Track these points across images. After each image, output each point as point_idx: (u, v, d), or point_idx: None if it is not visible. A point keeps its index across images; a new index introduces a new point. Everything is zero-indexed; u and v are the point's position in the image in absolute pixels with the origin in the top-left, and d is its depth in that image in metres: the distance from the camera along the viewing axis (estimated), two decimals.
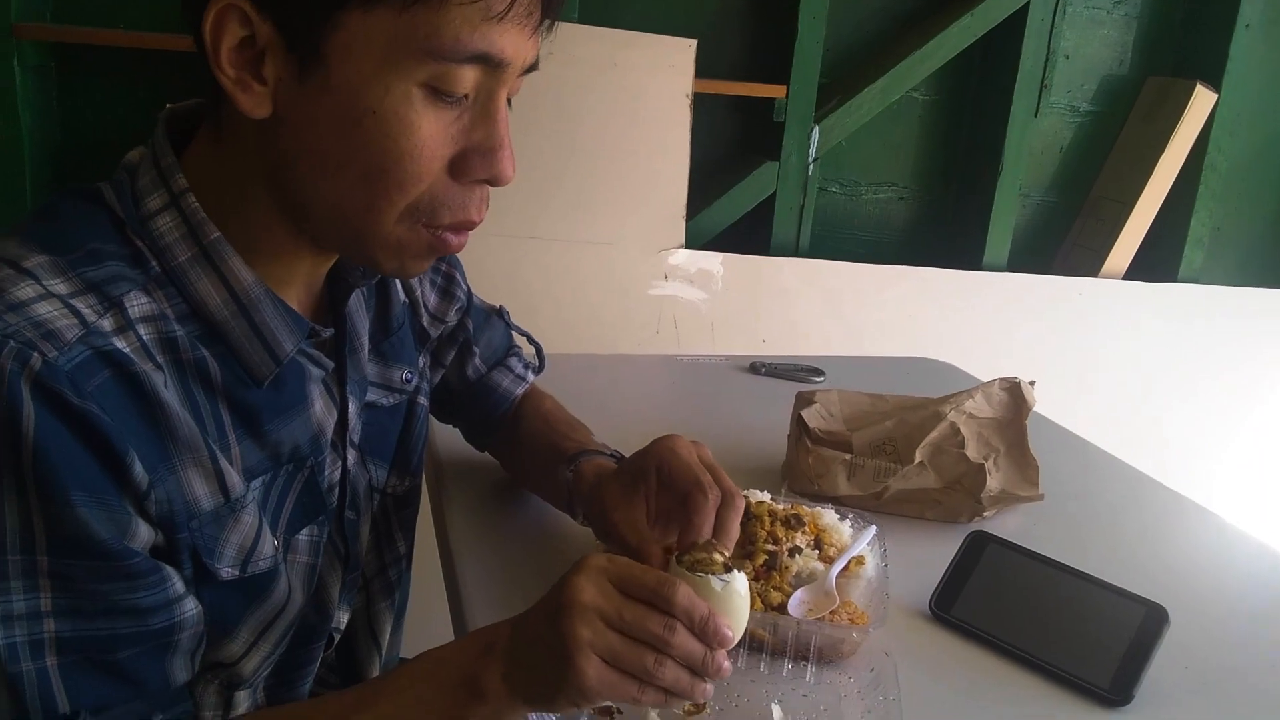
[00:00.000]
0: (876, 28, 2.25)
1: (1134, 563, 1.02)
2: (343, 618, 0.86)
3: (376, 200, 0.65)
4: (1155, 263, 2.44)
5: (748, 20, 2.17)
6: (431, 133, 0.63)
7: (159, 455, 0.62)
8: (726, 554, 0.69)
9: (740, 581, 0.67)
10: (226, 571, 0.68)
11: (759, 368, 1.53)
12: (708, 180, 2.14)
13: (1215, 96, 2.33)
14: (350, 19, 0.60)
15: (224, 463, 0.66)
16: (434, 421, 1.08)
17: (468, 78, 0.63)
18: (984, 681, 0.84)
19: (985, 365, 1.74)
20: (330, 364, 0.76)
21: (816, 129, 2.13)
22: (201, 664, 0.70)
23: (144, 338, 0.63)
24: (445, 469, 1.08)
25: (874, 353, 1.75)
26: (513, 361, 1.04)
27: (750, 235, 2.19)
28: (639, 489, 0.82)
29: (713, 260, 2.04)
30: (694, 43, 1.95)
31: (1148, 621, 0.85)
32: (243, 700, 0.75)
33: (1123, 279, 2.39)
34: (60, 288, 0.60)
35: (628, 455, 0.88)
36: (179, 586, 0.63)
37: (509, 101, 0.69)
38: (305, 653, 0.82)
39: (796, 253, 2.19)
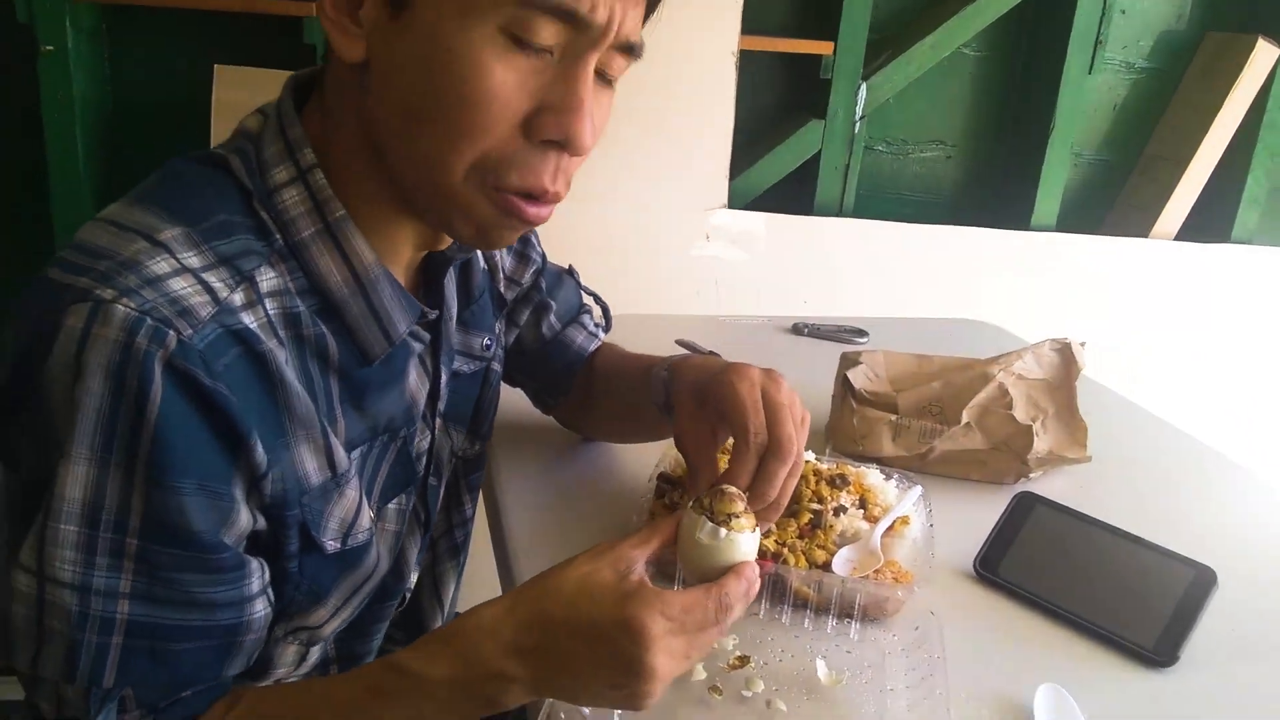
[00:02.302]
0: None
1: (1183, 526, 1.01)
2: (413, 577, 0.88)
3: (444, 149, 0.63)
4: (1208, 224, 2.39)
5: None
6: (505, 80, 0.62)
7: (277, 433, 0.63)
8: (744, 501, 0.68)
9: (744, 540, 0.67)
10: (330, 545, 0.69)
11: (802, 328, 1.52)
12: (752, 139, 2.12)
13: (1278, 52, 2.25)
14: None
15: (332, 437, 0.67)
16: None
17: (549, 29, 0.61)
18: (1028, 641, 0.84)
19: (1033, 327, 1.72)
20: (428, 337, 0.77)
21: (864, 86, 2.10)
22: (287, 628, 0.71)
23: (270, 313, 0.63)
24: (498, 434, 1.09)
25: (919, 315, 1.74)
26: (585, 319, 1.04)
27: (794, 195, 2.16)
28: (705, 416, 0.81)
29: (756, 220, 2.03)
30: None
31: (1195, 583, 0.84)
32: (314, 654, 0.77)
33: (1174, 240, 2.34)
34: (194, 261, 0.60)
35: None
36: (255, 586, 0.64)
37: (610, 80, 0.67)
38: (380, 610, 0.84)
39: (841, 213, 2.17)
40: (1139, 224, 2.39)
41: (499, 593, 0.87)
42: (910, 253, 2.11)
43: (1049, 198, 2.28)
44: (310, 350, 0.67)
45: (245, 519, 0.63)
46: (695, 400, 0.82)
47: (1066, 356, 1.14)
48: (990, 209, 2.35)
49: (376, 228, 0.70)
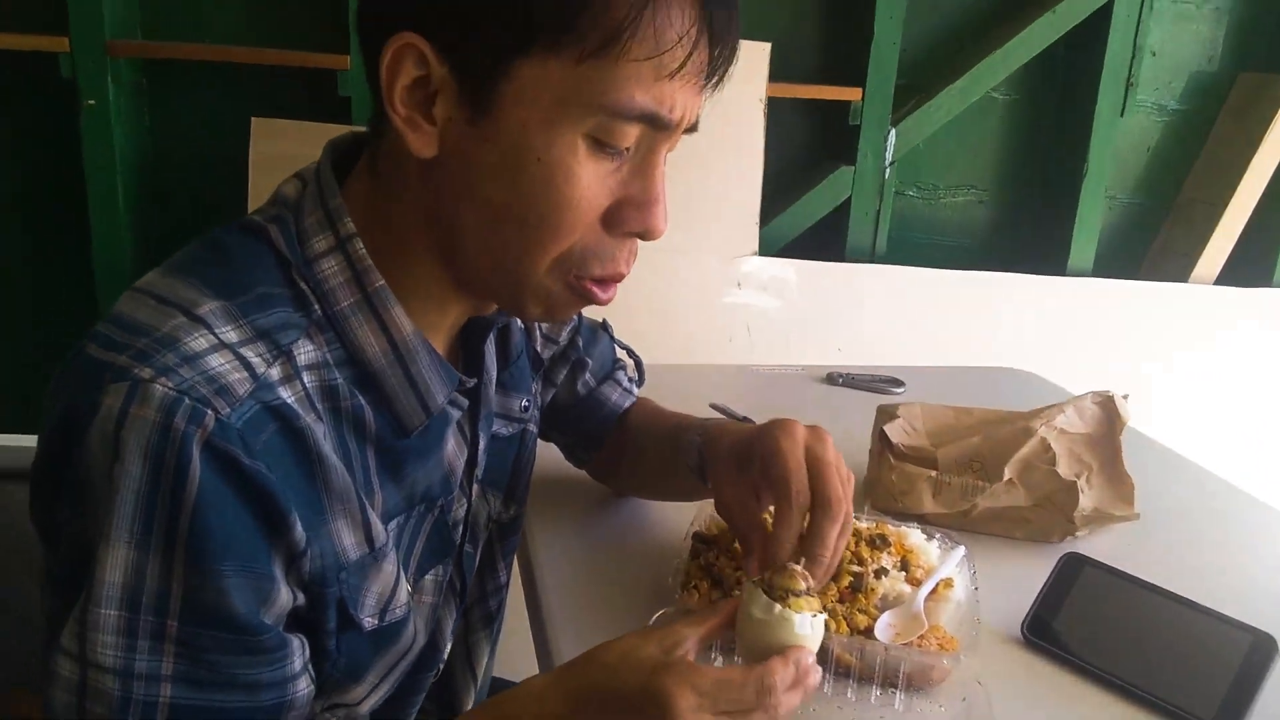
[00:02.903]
0: (954, 26, 2.20)
1: (1238, 587, 0.98)
2: (449, 648, 0.86)
3: (531, 248, 0.64)
4: (1249, 267, 2.35)
5: (822, 22, 2.14)
6: (591, 183, 0.63)
7: (316, 509, 0.62)
8: (809, 582, 0.66)
9: (800, 621, 0.64)
10: (368, 622, 0.68)
11: (836, 378, 1.50)
12: (782, 186, 2.12)
13: None
14: (527, 67, 0.60)
15: (370, 511, 0.66)
16: None
17: (632, 132, 0.63)
18: (1082, 711, 0.80)
19: (1070, 375, 1.69)
20: (466, 403, 0.76)
21: (893, 131, 2.09)
22: (324, 704, 0.70)
23: (308, 386, 0.63)
24: (531, 496, 1.08)
25: (954, 362, 1.71)
26: (619, 375, 1.03)
27: (825, 241, 2.15)
28: (748, 472, 0.78)
29: (787, 267, 2.02)
30: (767, 46, 1.93)
31: (1255, 650, 0.81)
32: None
33: (1214, 284, 2.30)
34: (232, 336, 0.60)
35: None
36: (297, 664, 0.63)
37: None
38: (416, 682, 0.82)
39: (873, 259, 2.15)
40: (1177, 268, 2.36)
41: (533, 660, 0.86)
42: (944, 298, 2.08)
43: (1085, 241, 2.26)
44: (348, 422, 0.66)
45: (285, 597, 0.62)
46: (736, 463, 0.80)
47: (1109, 410, 1.11)
48: (1025, 253, 2.32)
49: (420, 299, 0.69)
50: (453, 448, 0.76)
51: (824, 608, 0.66)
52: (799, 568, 0.66)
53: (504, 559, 0.92)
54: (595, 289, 0.68)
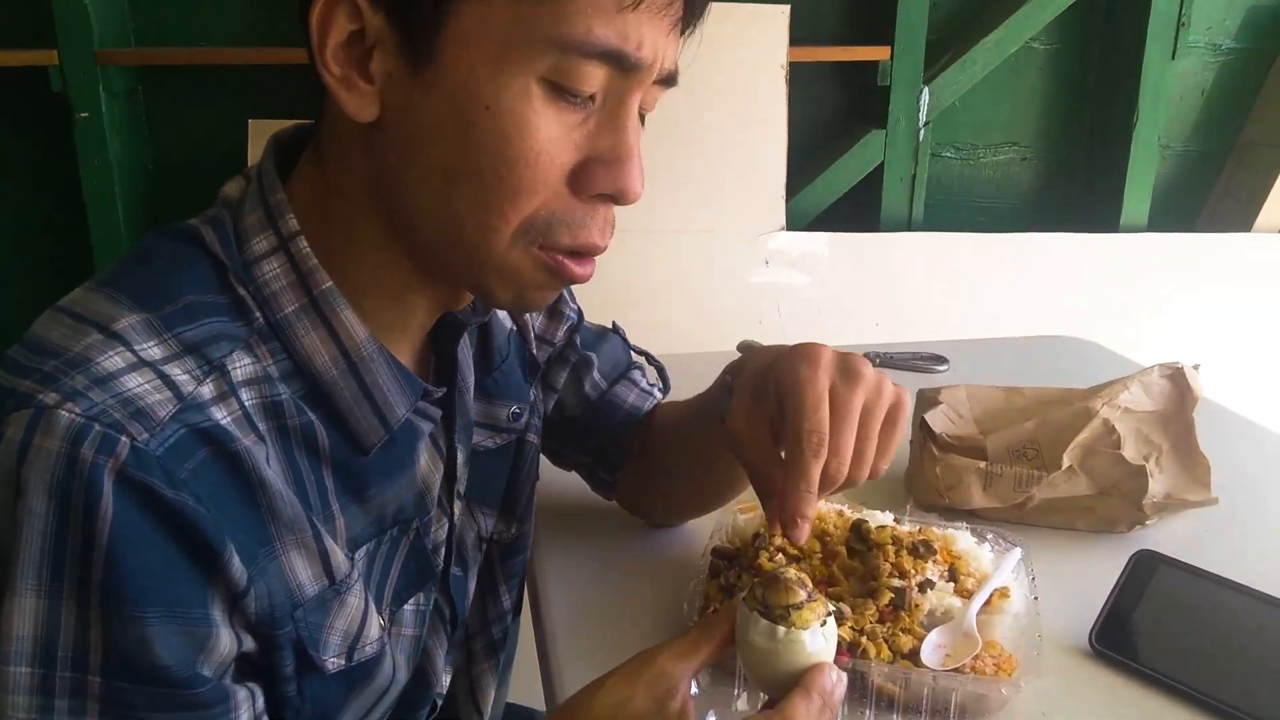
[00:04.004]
0: None
1: None
2: (445, 680, 0.79)
3: (488, 215, 0.57)
4: None
5: None
6: (551, 135, 0.56)
7: (259, 541, 0.55)
8: (807, 586, 0.55)
9: (811, 639, 0.54)
10: (333, 663, 0.61)
11: (874, 358, 1.39)
12: (808, 155, 2.01)
13: None
14: (467, 7, 0.54)
15: (328, 540, 0.59)
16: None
17: (595, 76, 0.56)
18: None
19: (1129, 340, 1.57)
20: (438, 414, 0.68)
21: (926, 90, 1.97)
22: None
23: (247, 404, 0.56)
24: (538, 514, 0.99)
25: (1003, 333, 1.59)
26: (636, 375, 0.93)
27: (858, 211, 2.04)
28: (764, 405, 0.69)
29: (818, 241, 1.91)
30: (786, 9, 1.82)
31: None
32: None
33: None
34: (153, 352, 0.54)
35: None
36: (243, 718, 0.56)
37: (642, 117, 0.61)
38: None
39: (909, 227, 2.04)
40: (1239, 217, 2.21)
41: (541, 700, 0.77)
42: (988, 265, 1.97)
43: (1138, 195, 2.12)
44: (296, 442, 0.59)
45: (227, 644, 0.54)
46: (753, 389, 0.70)
47: (1180, 383, 1.00)
48: (1073, 212, 2.19)
49: (377, 299, 0.62)
50: (426, 463, 0.68)
51: (828, 610, 0.56)
52: (791, 573, 0.56)
53: (507, 583, 0.84)
54: (568, 263, 0.60)
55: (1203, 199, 2.31)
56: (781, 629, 0.53)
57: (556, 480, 1.01)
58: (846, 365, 0.66)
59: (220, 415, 0.54)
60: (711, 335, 1.75)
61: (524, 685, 0.95)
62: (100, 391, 0.50)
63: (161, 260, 0.58)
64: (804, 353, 0.66)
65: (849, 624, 0.73)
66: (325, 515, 0.60)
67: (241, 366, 0.56)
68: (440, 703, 0.78)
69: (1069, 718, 0.70)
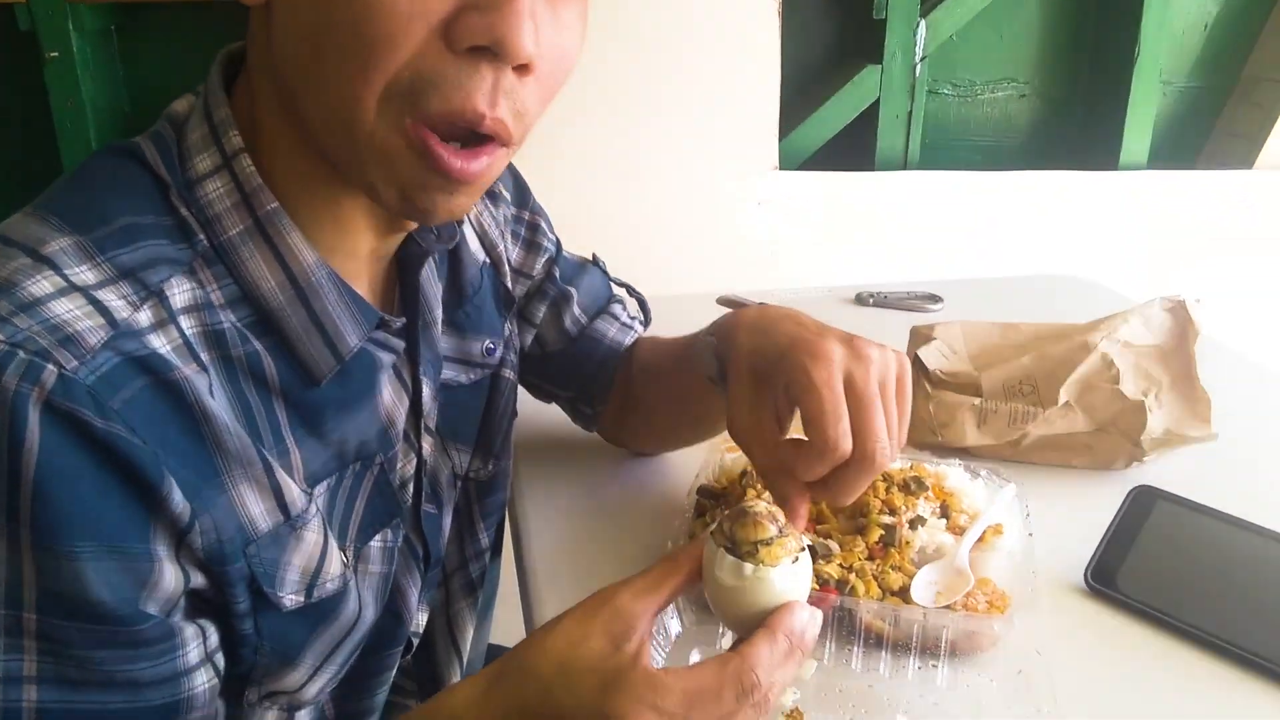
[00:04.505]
0: None
1: None
2: (421, 619, 0.77)
3: (351, 78, 0.51)
4: None
5: None
6: None
7: (204, 476, 0.53)
8: (777, 520, 0.52)
9: (780, 576, 0.51)
10: (290, 600, 0.59)
11: (866, 298, 1.37)
12: (801, 92, 1.95)
13: None
14: None
15: (281, 474, 0.57)
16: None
17: None
18: (1159, 671, 0.69)
19: (1128, 279, 1.54)
20: (400, 345, 0.65)
21: (923, 23, 1.91)
22: (260, 693, 0.62)
23: (186, 333, 0.53)
24: (520, 452, 0.96)
25: (1000, 272, 1.56)
26: (616, 309, 0.91)
27: (852, 151, 1.99)
28: (767, 398, 0.66)
29: (811, 181, 1.87)
30: None
31: None
32: (303, 718, 0.67)
33: None
34: (86, 276, 0.51)
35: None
36: (192, 657, 0.54)
37: None
38: (378, 661, 0.73)
39: (906, 166, 1.99)
40: (1241, 154, 2.17)
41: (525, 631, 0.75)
42: (986, 204, 1.92)
43: (1138, 132, 2.07)
44: (242, 372, 0.56)
45: (172, 580, 0.52)
46: (753, 378, 0.67)
47: (1180, 317, 0.97)
48: (1073, 150, 2.14)
49: (322, 219, 0.59)
50: (389, 397, 0.65)
51: (801, 546, 0.52)
52: (761, 507, 0.52)
53: (484, 521, 0.81)
54: (440, 148, 0.52)
55: (1204, 136, 2.26)
56: (749, 566, 0.51)
57: (537, 416, 0.98)
58: (854, 353, 0.62)
59: (158, 343, 0.52)
60: (701, 277, 1.72)
61: (508, 627, 0.93)
62: (25, 317, 0.48)
63: (98, 180, 0.56)
64: (810, 349, 0.62)
65: (837, 561, 0.71)
66: (279, 449, 0.58)
67: (182, 292, 0.54)
68: (417, 642, 0.76)
69: (1063, 655, 0.68)
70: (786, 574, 0.51)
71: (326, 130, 0.54)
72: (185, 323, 0.53)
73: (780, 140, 1.84)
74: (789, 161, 1.91)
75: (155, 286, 0.52)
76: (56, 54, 1.71)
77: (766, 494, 0.78)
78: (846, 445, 0.60)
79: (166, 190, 0.55)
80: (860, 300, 1.37)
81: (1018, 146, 2.16)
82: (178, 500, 0.51)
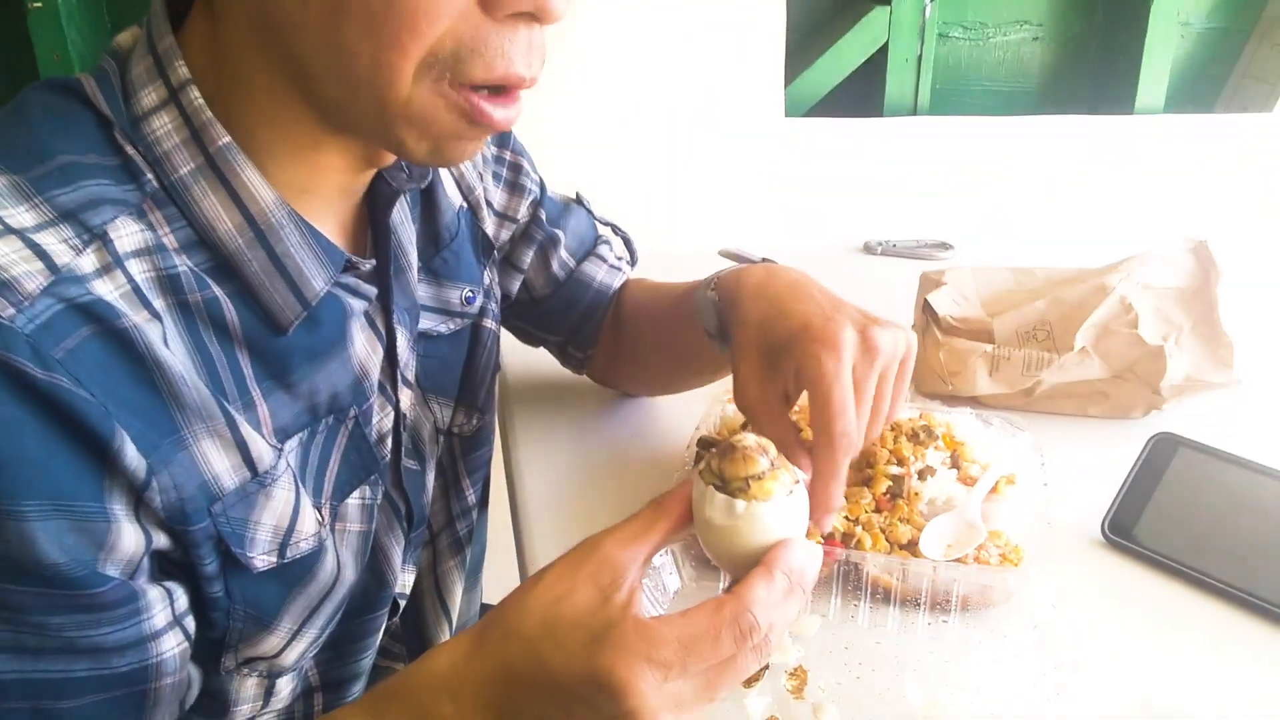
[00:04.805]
0: None
1: None
2: (407, 580, 0.74)
3: (385, 48, 0.49)
4: None
5: None
6: None
7: (161, 430, 0.50)
8: (768, 452, 0.48)
9: (772, 511, 0.47)
10: (261, 560, 0.56)
11: (875, 247, 1.33)
12: (807, 36, 1.90)
13: None
14: None
15: (246, 428, 0.53)
16: (503, 352, 0.94)
17: None
18: (1180, 625, 0.66)
19: (1145, 226, 1.49)
20: (372, 291, 0.61)
21: None
22: (237, 659, 0.59)
23: (135, 278, 0.50)
24: (513, 406, 0.93)
25: (1012, 221, 1.52)
26: (603, 250, 0.87)
27: (860, 96, 1.94)
28: (776, 378, 0.64)
29: (818, 128, 1.81)
30: None
31: None
32: (285, 686, 0.64)
33: None
34: (23, 219, 0.47)
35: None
36: (159, 620, 0.51)
37: None
38: (362, 625, 0.70)
39: (915, 111, 1.94)
40: (1260, 98, 2.10)
41: None
42: (998, 150, 1.87)
43: (1155, 76, 2.01)
44: (201, 320, 0.53)
45: (132, 540, 0.49)
46: (762, 355, 0.65)
47: (1203, 258, 0.93)
48: (1087, 95, 2.09)
49: (287, 157, 0.55)
50: (362, 347, 0.62)
51: (795, 479, 0.49)
52: (749, 440, 0.49)
53: (470, 476, 0.78)
54: (486, 106, 0.51)
55: (1223, 79, 2.19)
56: (741, 503, 0.47)
57: (526, 367, 0.96)
58: (865, 344, 0.61)
59: (104, 289, 0.48)
60: (704, 226, 1.67)
61: (505, 586, 0.91)
62: None
63: (35, 116, 0.52)
64: (823, 337, 0.60)
65: (844, 513, 0.68)
66: (244, 402, 0.54)
67: (128, 235, 0.50)
68: (403, 604, 0.74)
69: (1080, 609, 0.65)
70: (781, 509, 0.48)
71: (346, 95, 0.52)
72: (134, 267, 0.50)
73: (786, 86, 1.79)
74: (795, 108, 1.85)
75: (98, 229, 0.49)
76: (40, 4, 1.66)
77: None
78: (858, 440, 0.59)
79: (110, 128, 0.52)
80: (868, 249, 1.33)
81: (1031, 91, 2.10)
82: (131, 456, 0.48)
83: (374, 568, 0.68)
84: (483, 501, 0.82)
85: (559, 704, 0.44)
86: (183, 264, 0.52)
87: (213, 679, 0.59)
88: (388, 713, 0.47)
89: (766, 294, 0.67)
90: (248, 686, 0.61)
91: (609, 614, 0.44)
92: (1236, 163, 1.99)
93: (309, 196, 0.57)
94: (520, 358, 0.95)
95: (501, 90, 0.52)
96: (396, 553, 0.70)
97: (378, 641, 0.72)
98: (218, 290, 0.53)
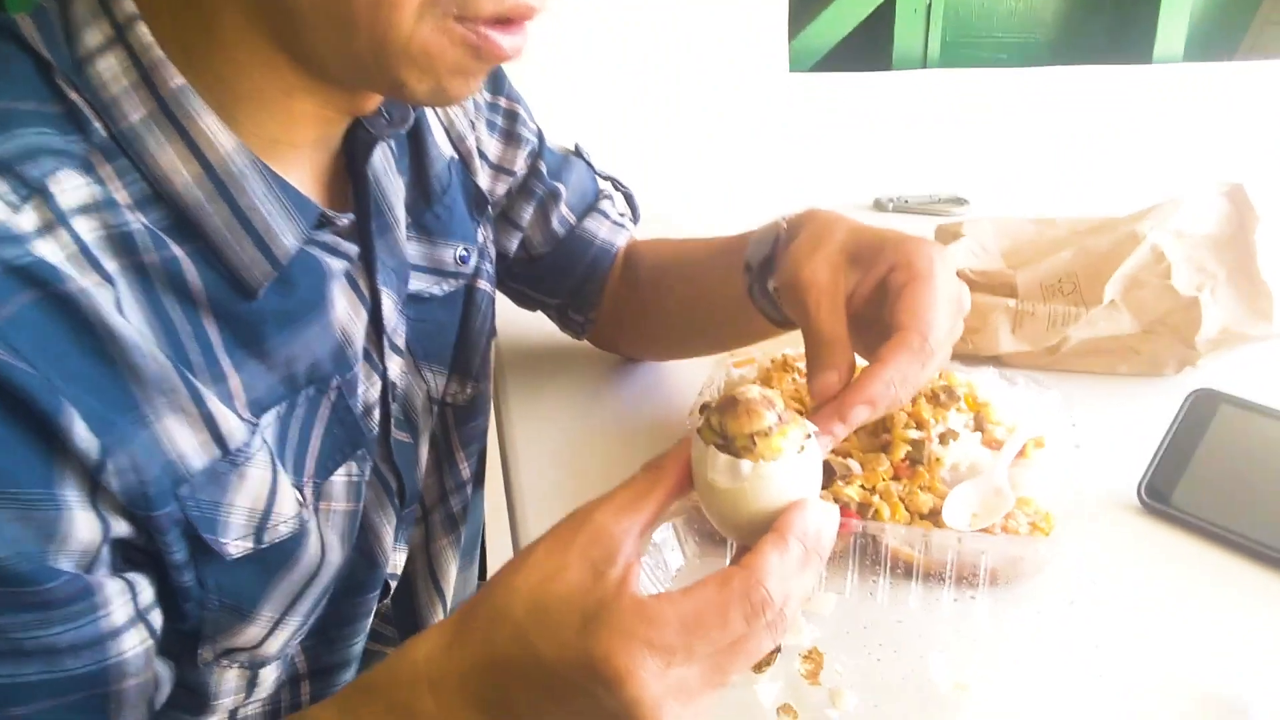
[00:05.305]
0: None
1: None
2: (399, 560, 0.70)
3: None
4: None
5: None
6: None
7: (116, 406, 0.45)
8: (774, 405, 0.43)
9: (784, 471, 0.42)
10: (236, 546, 0.51)
11: (886, 204, 1.28)
12: None
13: None
14: None
15: (214, 403, 0.49)
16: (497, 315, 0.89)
17: None
18: (1225, 595, 0.61)
19: (1166, 177, 1.43)
20: (354, 250, 0.56)
21: None
22: (215, 651, 0.55)
23: (83, 238, 0.45)
24: (508, 374, 0.88)
25: (1028, 175, 1.46)
26: (605, 206, 0.82)
27: (868, 50, 1.89)
28: (853, 276, 0.57)
29: (823, 83, 1.76)
30: None
31: None
32: (269, 675, 0.60)
33: None
34: None
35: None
36: (117, 618, 0.47)
37: None
38: (351, 609, 0.66)
39: (925, 64, 1.88)
40: None
41: None
42: (1012, 103, 1.81)
43: (1173, 23, 1.95)
44: (160, 283, 0.48)
45: (87, 529, 0.45)
46: (848, 253, 0.58)
47: (1240, 203, 0.87)
48: (1104, 43, 2.02)
49: (256, 107, 0.50)
50: (344, 311, 0.57)
51: (807, 433, 0.44)
52: (754, 392, 0.44)
53: (465, 449, 0.74)
54: (495, 36, 0.47)
55: (1244, 26, 2.12)
56: (746, 463, 0.42)
57: (521, 333, 0.90)
58: (959, 301, 0.57)
59: (47, 250, 0.43)
60: (707, 188, 1.62)
61: (498, 566, 0.87)
62: None
63: None
64: (935, 246, 0.56)
65: (859, 482, 0.63)
66: (213, 374, 0.49)
67: (73, 189, 0.45)
68: (395, 584, 0.69)
69: (1116, 581, 0.60)
70: (791, 468, 0.43)
71: (338, 37, 0.47)
72: (81, 226, 0.45)
73: (790, 40, 1.73)
74: (800, 62, 1.80)
75: (36, 182, 0.44)
76: None
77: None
78: (944, 351, 0.54)
79: (50, 71, 0.46)
80: (879, 206, 1.28)
81: (1045, 42, 2.04)
82: (82, 435, 0.43)
83: (363, 548, 0.63)
84: (478, 476, 0.77)
85: (553, 694, 0.39)
86: (137, 221, 0.47)
87: (190, 672, 0.55)
88: (364, 709, 0.43)
89: (855, 224, 0.61)
90: (229, 678, 0.57)
91: (603, 593, 0.40)
92: (1261, 111, 1.92)
93: (282, 147, 0.52)
94: (515, 323, 0.90)
95: (508, 20, 0.48)
96: (388, 531, 0.65)
97: (368, 625, 0.68)
98: (177, 250, 0.48)
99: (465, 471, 0.74)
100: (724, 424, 0.43)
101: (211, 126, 0.48)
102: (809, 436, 0.43)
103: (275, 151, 0.51)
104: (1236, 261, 0.84)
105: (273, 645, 0.57)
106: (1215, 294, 0.83)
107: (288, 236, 0.50)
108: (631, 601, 0.39)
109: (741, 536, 0.43)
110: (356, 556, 0.62)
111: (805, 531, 0.41)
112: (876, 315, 0.55)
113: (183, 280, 0.48)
